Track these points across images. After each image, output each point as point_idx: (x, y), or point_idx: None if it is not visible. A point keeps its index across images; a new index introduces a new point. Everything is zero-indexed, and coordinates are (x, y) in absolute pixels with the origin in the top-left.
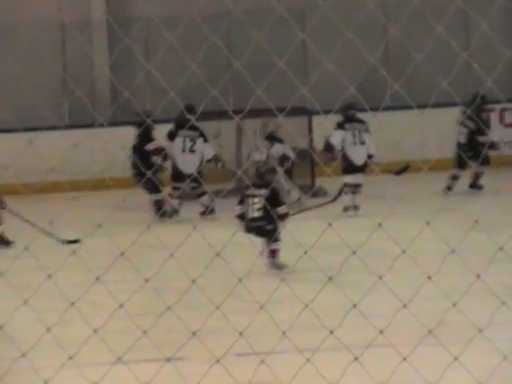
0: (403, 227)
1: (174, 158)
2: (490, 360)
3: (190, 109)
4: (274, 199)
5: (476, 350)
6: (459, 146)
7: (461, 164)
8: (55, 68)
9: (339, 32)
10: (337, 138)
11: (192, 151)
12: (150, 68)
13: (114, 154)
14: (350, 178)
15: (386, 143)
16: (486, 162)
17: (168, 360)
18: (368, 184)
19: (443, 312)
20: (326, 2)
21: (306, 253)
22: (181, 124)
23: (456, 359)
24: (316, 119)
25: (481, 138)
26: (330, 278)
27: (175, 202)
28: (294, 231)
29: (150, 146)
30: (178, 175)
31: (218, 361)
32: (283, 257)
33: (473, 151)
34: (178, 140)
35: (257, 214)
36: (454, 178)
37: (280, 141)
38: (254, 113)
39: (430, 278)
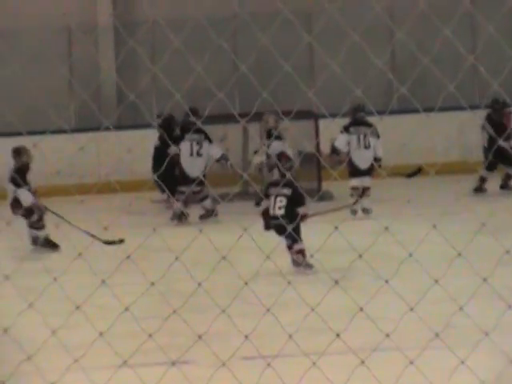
0: (410, 230)
1: (180, 162)
2: (497, 363)
3: (194, 112)
4: (296, 198)
5: (483, 354)
6: (484, 149)
7: (489, 166)
8: (61, 71)
9: (346, 35)
10: (341, 141)
11: (199, 155)
12: (156, 71)
13: (120, 157)
14: (355, 182)
15: (393, 146)
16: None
17: (174, 363)
18: (375, 187)
19: (450, 315)
20: (333, 5)
21: (312, 256)
22: (186, 128)
23: (463, 362)
24: (323, 122)
25: (502, 143)
26: (337, 282)
27: (181, 206)
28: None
29: (171, 151)
30: (184, 179)
31: (223, 364)
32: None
33: (497, 155)
34: (185, 144)
35: (279, 213)
36: (482, 180)
37: (278, 138)
38: (260, 116)
39: (436, 281)
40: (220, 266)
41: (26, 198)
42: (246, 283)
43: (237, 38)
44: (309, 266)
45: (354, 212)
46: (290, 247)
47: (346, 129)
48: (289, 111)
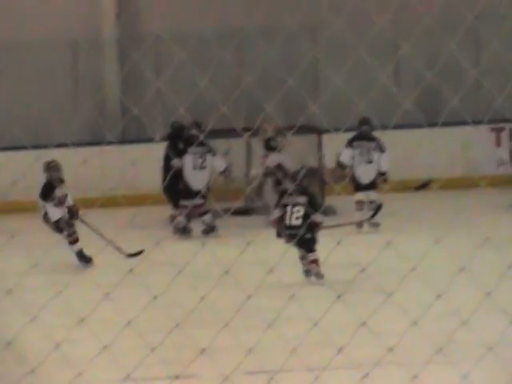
0: (414, 244)
1: (183, 176)
2: (500, 378)
3: (198, 125)
4: (311, 206)
5: (486, 369)
6: None
7: None
8: (66, 84)
9: (351, 49)
10: (346, 155)
11: (202, 168)
12: (161, 84)
13: (123, 171)
14: (360, 195)
15: (396, 161)
16: None
17: (177, 377)
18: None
19: (453, 330)
20: (338, 19)
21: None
22: (189, 141)
23: (465, 377)
24: (326, 137)
25: None
26: (339, 296)
27: (184, 220)
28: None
29: (176, 163)
30: (187, 193)
31: (227, 378)
32: (293, 273)
33: None
34: (188, 157)
35: (297, 223)
36: None
37: (276, 149)
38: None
39: (439, 296)
40: (223, 279)
41: (52, 213)
42: (249, 297)
43: (241, 51)
44: (320, 276)
45: (361, 225)
46: (303, 257)
47: (350, 143)
48: (292, 126)
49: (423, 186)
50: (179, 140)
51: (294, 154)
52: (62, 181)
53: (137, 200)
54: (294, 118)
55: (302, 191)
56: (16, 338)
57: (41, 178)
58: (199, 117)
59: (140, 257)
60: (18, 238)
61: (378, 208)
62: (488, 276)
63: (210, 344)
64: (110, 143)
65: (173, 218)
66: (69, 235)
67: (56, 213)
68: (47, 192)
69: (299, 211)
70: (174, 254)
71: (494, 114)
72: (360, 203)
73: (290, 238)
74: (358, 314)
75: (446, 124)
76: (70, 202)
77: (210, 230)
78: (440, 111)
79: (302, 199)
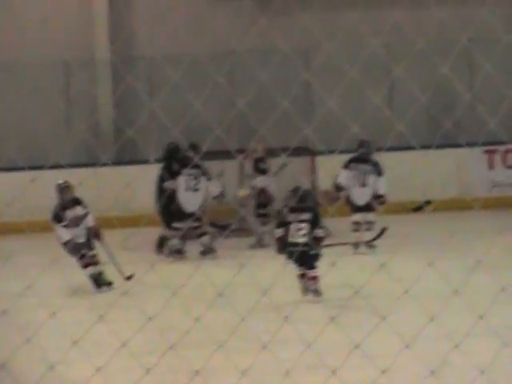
0: (407, 267)
1: (176, 197)
2: None
3: (194, 147)
4: (315, 222)
5: None
6: None
7: None
8: (59, 105)
9: (343, 72)
10: (343, 177)
11: (196, 190)
12: (154, 106)
13: (118, 192)
14: (357, 216)
15: (391, 183)
16: None
17: None
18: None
19: (446, 352)
20: (331, 42)
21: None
22: (184, 162)
23: None
24: (320, 159)
25: None
26: (333, 318)
27: (176, 242)
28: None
29: (168, 185)
30: (180, 214)
31: None
32: (286, 295)
33: None
34: (182, 178)
35: (302, 240)
36: None
37: (264, 172)
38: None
39: (432, 319)
40: (217, 301)
41: (60, 235)
42: (243, 319)
43: (235, 74)
44: (318, 293)
45: (357, 246)
46: (302, 275)
47: (346, 165)
48: (286, 148)
49: (420, 207)
50: (174, 161)
51: (287, 175)
52: (77, 201)
53: (131, 221)
54: (288, 140)
55: (304, 208)
56: (11, 358)
57: (36, 200)
58: (193, 138)
59: (134, 279)
60: (12, 259)
61: (381, 231)
62: (481, 299)
63: (204, 366)
64: (104, 165)
65: (161, 238)
66: (80, 258)
67: (64, 234)
68: (56, 213)
69: (305, 228)
70: (168, 276)
71: (488, 135)
72: (356, 224)
73: (292, 254)
74: (351, 336)
75: (440, 146)
76: (90, 222)
77: (208, 252)
78: (434, 133)
79: (307, 216)
